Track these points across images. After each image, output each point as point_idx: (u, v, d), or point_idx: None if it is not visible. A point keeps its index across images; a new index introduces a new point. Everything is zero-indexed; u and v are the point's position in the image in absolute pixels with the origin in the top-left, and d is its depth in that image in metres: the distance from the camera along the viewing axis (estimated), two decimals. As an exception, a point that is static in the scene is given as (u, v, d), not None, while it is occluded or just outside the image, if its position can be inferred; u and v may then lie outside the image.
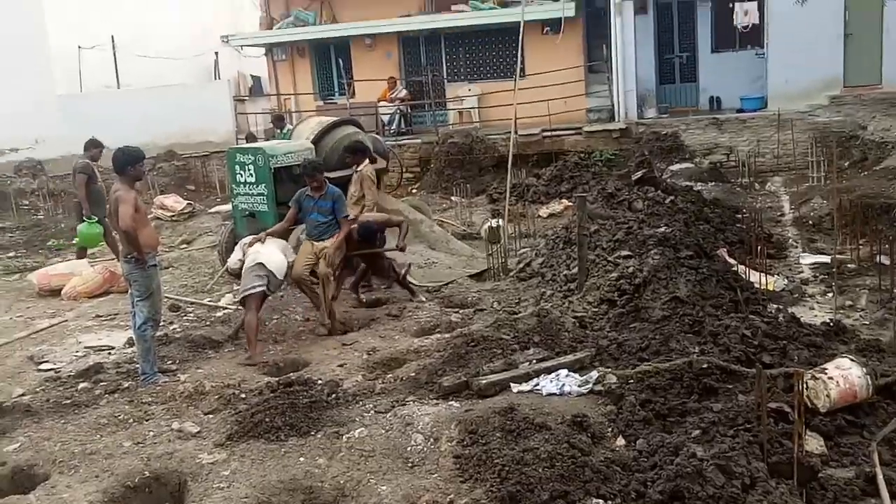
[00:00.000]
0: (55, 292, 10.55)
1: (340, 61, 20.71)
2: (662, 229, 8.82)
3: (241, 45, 21.91)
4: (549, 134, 17.11)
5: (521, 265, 9.86)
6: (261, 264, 7.74)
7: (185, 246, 13.24)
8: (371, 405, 5.99)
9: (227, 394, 6.53)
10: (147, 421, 6.21)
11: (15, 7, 19.20)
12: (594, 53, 18.78)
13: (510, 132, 12.81)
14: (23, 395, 7.01)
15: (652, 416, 5.21)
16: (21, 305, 10.28)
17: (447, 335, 7.59)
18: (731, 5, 17.60)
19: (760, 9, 17.03)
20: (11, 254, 13.91)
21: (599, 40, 18.43)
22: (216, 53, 23.76)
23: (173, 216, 15.28)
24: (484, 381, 5.94)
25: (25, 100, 18.65)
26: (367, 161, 10.08)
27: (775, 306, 7.35)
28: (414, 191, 16.84)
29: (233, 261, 8.16)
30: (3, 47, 18.67)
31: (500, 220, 11.49)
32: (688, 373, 5.59)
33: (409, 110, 19.68)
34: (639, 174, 11.31)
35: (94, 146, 11.55)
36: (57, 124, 18.58)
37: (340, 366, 7.13)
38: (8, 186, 17.88)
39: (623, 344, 6.47)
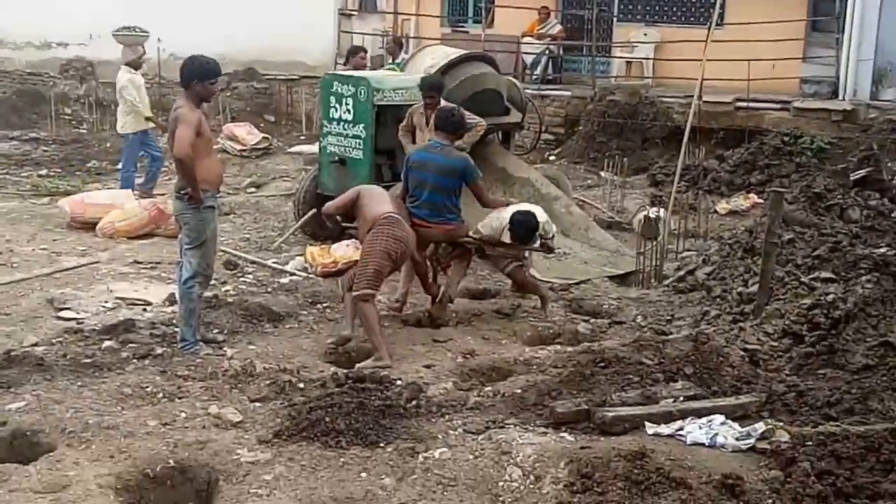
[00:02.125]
0: (89, 226, 11.11)
1: (482, -22, 20.83)
2: (883, 250, 8.56)
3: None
4: (744, 105, 16.72)
5: (681, 272, 9.75)
6: None
7: (253, 190, 13.67)
8: (460, 421, 6.07)
9: (282, 380, 6.75)
10: (180, 399, 6.49)
11: None
12: (822, 6, 18.21)
13: (692, 96, 12.62)
14: (36, 344, 7.44)
15: (830, 493, 5.08)
16: (47, 236, 10.89)
17: (570, 348, 7.60)
18: None
19: None
20: (44, 172, 14.70)
21: (832, -11, 17.87)
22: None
23: (244, 150, 15.77)
24: (611, 414, 5.92)
25: (86, -19, 19.50)
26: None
27: None
28: (552, 157, 16.83)
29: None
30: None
31: (662, 211, 11.38)
32: (890, 443, 5.43)
33: (562, 52, 19.61)
34: (860, 173, 11.00)
35: None
36: (118, 19, 19.36)
37: (427, 367, 7.26)
38: (49, 89, 18.84)
39: (805, 393, 6.33)
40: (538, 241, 8.68)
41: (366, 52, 13.20)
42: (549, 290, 9.24)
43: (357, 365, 7.37)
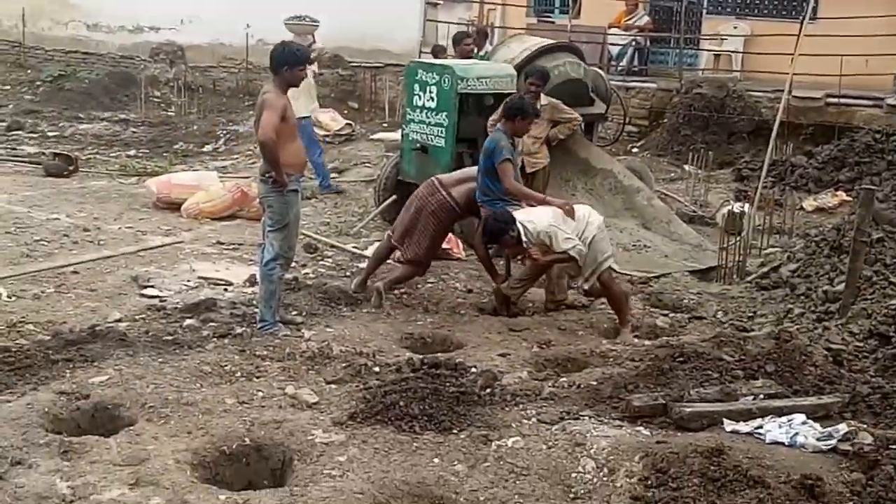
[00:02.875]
0: (175, 206, 11.35)
1: (569, -32, 20.70)
2: (975, 252, 8.34)
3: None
4: (835, 101, 16.36)
5: (765, 269, 9.61)
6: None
7: (335, 175, 13.77)
8: (534, 411, 6.05)
9: (358, 363, 6.80)
10: (257, 378, 6.58)
11: None
12: (919, 0, 17.75)
13: (782, 91, 12.40)
14: (119, 320, 7.62)
15: (914, 499, 4.97)
16: (133, 215, 11.15)
17: (648, 342, 7.56)
18: None
19: None
20: (132, 152, 15.04)
21: (931, -19, 17.38)
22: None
23: (327, 136, 15.91)
24: (689, 410, 5.86)
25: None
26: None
27: None
28: (636, 150, 16.69)
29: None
30: None
31: (746, 206, 11.20)
32: (976, 450, 5.28)
33: (649, 44, 19.41)
34: (955, 173, 10.72)
35: None
36: (210, 4, 19.68)
37: (502, 355, 7.25)
38: (140, 72, 19.27)
39: (890, 395, 6.20)
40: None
41: (473, 38, 13.10)
42: (627, 286, 9.15)
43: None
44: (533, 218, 7.98)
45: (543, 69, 10.10)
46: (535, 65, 10.10)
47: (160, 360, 6.73)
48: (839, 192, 13.34)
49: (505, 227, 7.89)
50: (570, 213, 8.04)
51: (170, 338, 7.22)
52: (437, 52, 15.75)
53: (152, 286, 8.53)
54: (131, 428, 5.73)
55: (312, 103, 12.92)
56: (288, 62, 7.33)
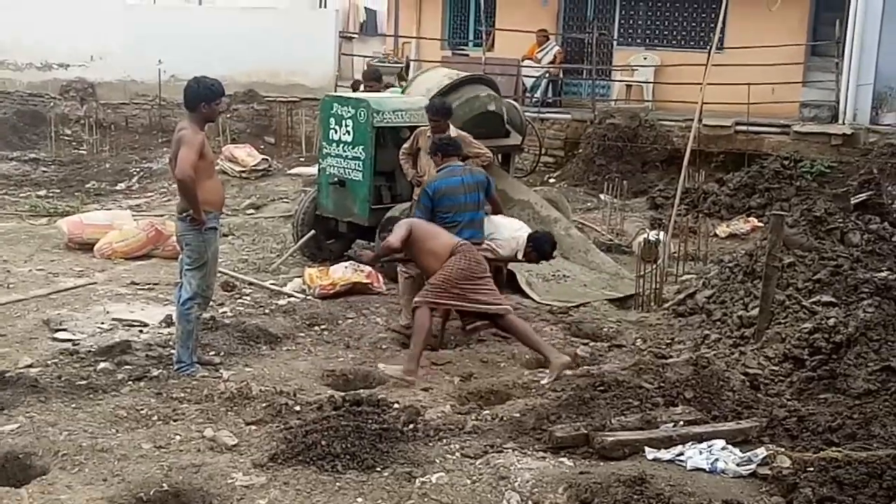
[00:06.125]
0: (87, 246, 11.11)
1: (481, 2, 20.89)
2: (884, 274, 8.54)
3: (358, -33, 22.46)
4: (744, 128, 16.73)
5: (681, 296, 9.72)
6: None
7: (252, 211, 13.65)
8: (457, 446, 6.03)
9: (279, 403, 6.70)
10: (175, 421, 6.45)
11: None
12: (822, 31, 18.23)
13: (692, 120, 12.61)
14: (30, 365, 7.40)
15: (833, 521, 5.04)
16: (45, 256, 10.88)
17: (569, 372, 7.55)
18: None
19: None
20: (42, 192, 14.72)
21: (831, 14, 17.89)
22: (325, -26, 24.42)
23: (243, 172, 15.73)
24: (610, 439, 5.89)
25: (88, 5, 19.57)
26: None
27: None
28: (552, 180, 16.83)
29: None
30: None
31: (662, 234, 11.35)
32: (892, 469, 5.37)
33: (562, 76, 19.65)
34: (861, 197, 10.96)
35: None
36: (120, 40, 19.45)
37: (425, 390, 7.23)
38: (50, 110, 18.88)
39: (806, 419, 6.30)
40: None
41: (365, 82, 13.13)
42: (547, 314, 9.21)
43: (380, 366, 7.55)
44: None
45: (440, 104, 9.69)
46: (433, 100, 9.95)
47: (73, 405, 6.57)
48: (751, 219, 13.62)
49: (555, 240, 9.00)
50: None
51: (83, 382, 7.03)
52: (357, 86, 15.74)
53: (65, 329, 8.31)
54: (44, 477, 5.58)
55: None
56: (204, 98, 7.23)
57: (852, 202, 10.94)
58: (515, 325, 7.84)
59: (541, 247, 8.70)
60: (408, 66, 16.02)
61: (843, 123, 16.45)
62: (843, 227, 10.13)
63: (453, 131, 9.69)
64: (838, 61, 17.15)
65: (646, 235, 11.47)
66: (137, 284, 9.87)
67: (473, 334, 8.55)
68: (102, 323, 8.56)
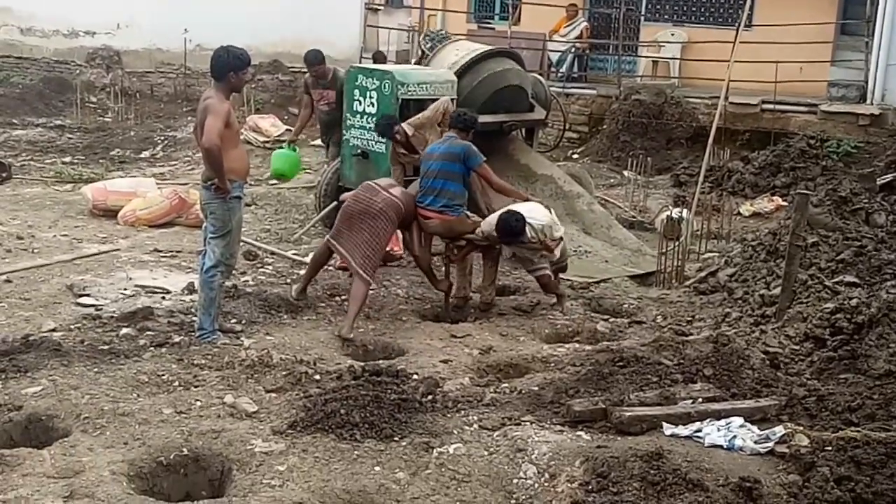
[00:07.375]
0: (111, 213, 11.17)
1: (509, -25, 20.80)
2: (908, 255, 8.50)
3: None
4: (770, 107, 16.62)
5: (703, 273, 9.71)
6: None
7: (275, 182, 13.67)
8: (475, 417, 6.06)
9: (298, 371, 6.74)
10: (196, 387, 6.50)
11: None
12: (852, 9, 18.08)
13: (718, 97, 12.55)
14: (54, 330, 7.47)
15: (849, 500, 5.03)
16: (69, 223, 10.95)
17: (588, 347, 7.60)
18: None
19: None
20: (67, 159, 14.77)
21: (863, -8, 17.72)
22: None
23: (267, 142, 15.78)
24: (628, 414, 5.90)
25: (116, -27, 19.60)
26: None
27: None
28: (576, 155, 16.79)
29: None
30: None
31: (685, 212, 11.31)
32: (910, 450, 5.37)
33: (588, 51, 19.55)
34: (887, 178, 10.94)
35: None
36: (146, 8, 19.47)
37: (444, 362, 7.25)
38: (76, 77, 18.95)
39: (826, 398, 6.28)
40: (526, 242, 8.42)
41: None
42: (566, 290, 9.18)
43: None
44: (534, 214, 8.40)
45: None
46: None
47: (96, 369, 6.62)
48: (775, 197, 13.55)
49: (522, 225, 8.21)
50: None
51: (106, 347, 7.10)
52: (378, 58, 15.71)
53: (88, 295, 8.37)
54: (66, 439, 5.65)
55: None
56: (233, 67, 7.24)
57: (878, 183, 10.92)
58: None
59: (499, 228, 8.22)
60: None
61: (871, 104, 16.32)
62: (868, 208, 10.12)
63: (409, 129, 9.64)
64: (868, 40, 16.99)
65: (669, 213, 11.44)
66: (160, 252, 9.93)
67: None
68: (125, 289, 8.62)
